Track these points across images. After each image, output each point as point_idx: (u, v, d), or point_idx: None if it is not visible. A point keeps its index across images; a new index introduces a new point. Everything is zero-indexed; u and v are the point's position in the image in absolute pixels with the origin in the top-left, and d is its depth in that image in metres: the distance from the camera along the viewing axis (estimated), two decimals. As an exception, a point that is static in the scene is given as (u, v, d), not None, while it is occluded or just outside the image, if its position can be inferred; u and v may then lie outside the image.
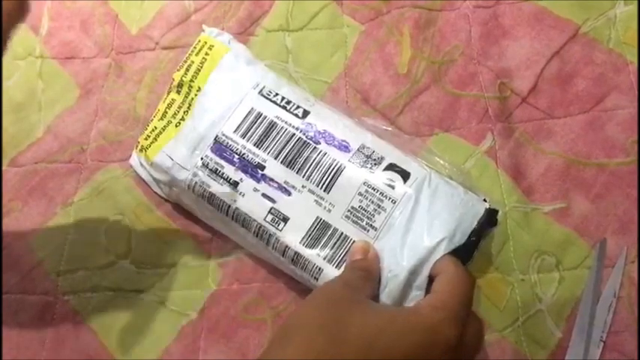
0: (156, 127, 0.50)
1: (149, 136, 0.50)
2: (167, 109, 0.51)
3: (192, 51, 0.52)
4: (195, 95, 0.50)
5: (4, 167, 0.55)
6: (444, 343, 0.35)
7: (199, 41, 0.52)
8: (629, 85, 0.50)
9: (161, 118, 0.51)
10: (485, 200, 0.44)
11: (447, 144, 0.50)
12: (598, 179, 0.48)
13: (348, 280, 0.40)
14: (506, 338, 0.45)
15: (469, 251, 0.43)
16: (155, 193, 0.52)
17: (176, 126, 0.50)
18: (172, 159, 0.48)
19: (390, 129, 0.49)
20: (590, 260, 0.46)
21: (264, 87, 0.49)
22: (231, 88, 0.49)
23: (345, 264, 0.43)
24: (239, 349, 0.47)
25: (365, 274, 0.41)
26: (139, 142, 0.51)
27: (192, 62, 0.51)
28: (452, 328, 0.35)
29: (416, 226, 0.42)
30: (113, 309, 0.49)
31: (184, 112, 0.50)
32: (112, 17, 0.60)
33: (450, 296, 0.37)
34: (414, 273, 0.41)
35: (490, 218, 0.43)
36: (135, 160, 0.52)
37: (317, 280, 0.44)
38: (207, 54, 0.51)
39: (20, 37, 0.60)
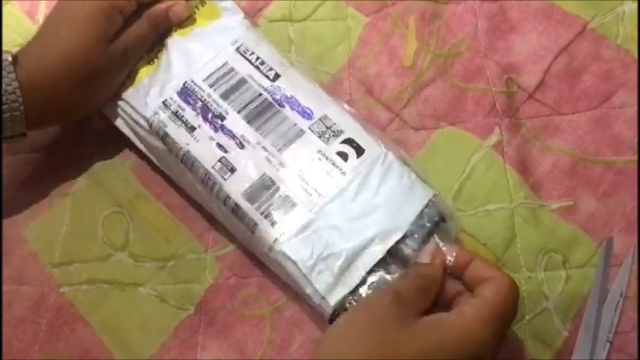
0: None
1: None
2: None
3: None
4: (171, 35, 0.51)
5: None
6: (487, 352, 0.37)
7: None
8: (637, 83, 0.49)
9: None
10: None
11: (453, 137, 0.50)
12: (605, 177, 0.47)
13: (401, 293, 0.38)
14: (512, 336, 0.44)
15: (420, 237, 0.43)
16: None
17: (149, 63, 0.51)
18: (141, 95, 0.49)
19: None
20: (597, 259, 0.45)
21: (242, 44, 0.50)
22: (210, 39, 0.51)
23: (278, 224, 0.43)
24: (237, 345, 0.46)
25: (424, 284, 0.39)
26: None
27: None
28: (496, 341, 0.37)
29: (363, 202, 0.43)
30: (109, 302, 0.48)
31: (158, 51, 0.51)
32: (110, 5, 0.59)
33: (500, 309, 0.38)
34: (354, 254, 0.42)
35: (438, 210, 0.43)
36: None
37: (253, 233, 0.44)
38: (197, 8, 0.52)
39: (17, 25, 0.59)
